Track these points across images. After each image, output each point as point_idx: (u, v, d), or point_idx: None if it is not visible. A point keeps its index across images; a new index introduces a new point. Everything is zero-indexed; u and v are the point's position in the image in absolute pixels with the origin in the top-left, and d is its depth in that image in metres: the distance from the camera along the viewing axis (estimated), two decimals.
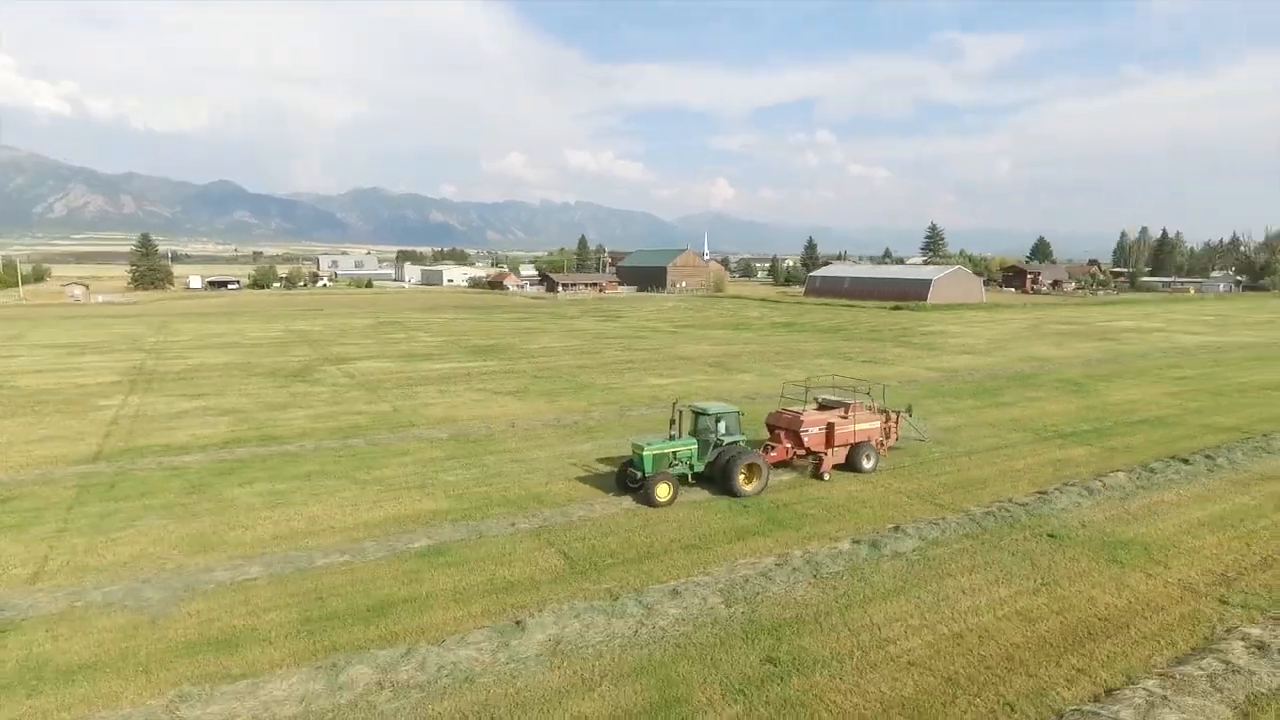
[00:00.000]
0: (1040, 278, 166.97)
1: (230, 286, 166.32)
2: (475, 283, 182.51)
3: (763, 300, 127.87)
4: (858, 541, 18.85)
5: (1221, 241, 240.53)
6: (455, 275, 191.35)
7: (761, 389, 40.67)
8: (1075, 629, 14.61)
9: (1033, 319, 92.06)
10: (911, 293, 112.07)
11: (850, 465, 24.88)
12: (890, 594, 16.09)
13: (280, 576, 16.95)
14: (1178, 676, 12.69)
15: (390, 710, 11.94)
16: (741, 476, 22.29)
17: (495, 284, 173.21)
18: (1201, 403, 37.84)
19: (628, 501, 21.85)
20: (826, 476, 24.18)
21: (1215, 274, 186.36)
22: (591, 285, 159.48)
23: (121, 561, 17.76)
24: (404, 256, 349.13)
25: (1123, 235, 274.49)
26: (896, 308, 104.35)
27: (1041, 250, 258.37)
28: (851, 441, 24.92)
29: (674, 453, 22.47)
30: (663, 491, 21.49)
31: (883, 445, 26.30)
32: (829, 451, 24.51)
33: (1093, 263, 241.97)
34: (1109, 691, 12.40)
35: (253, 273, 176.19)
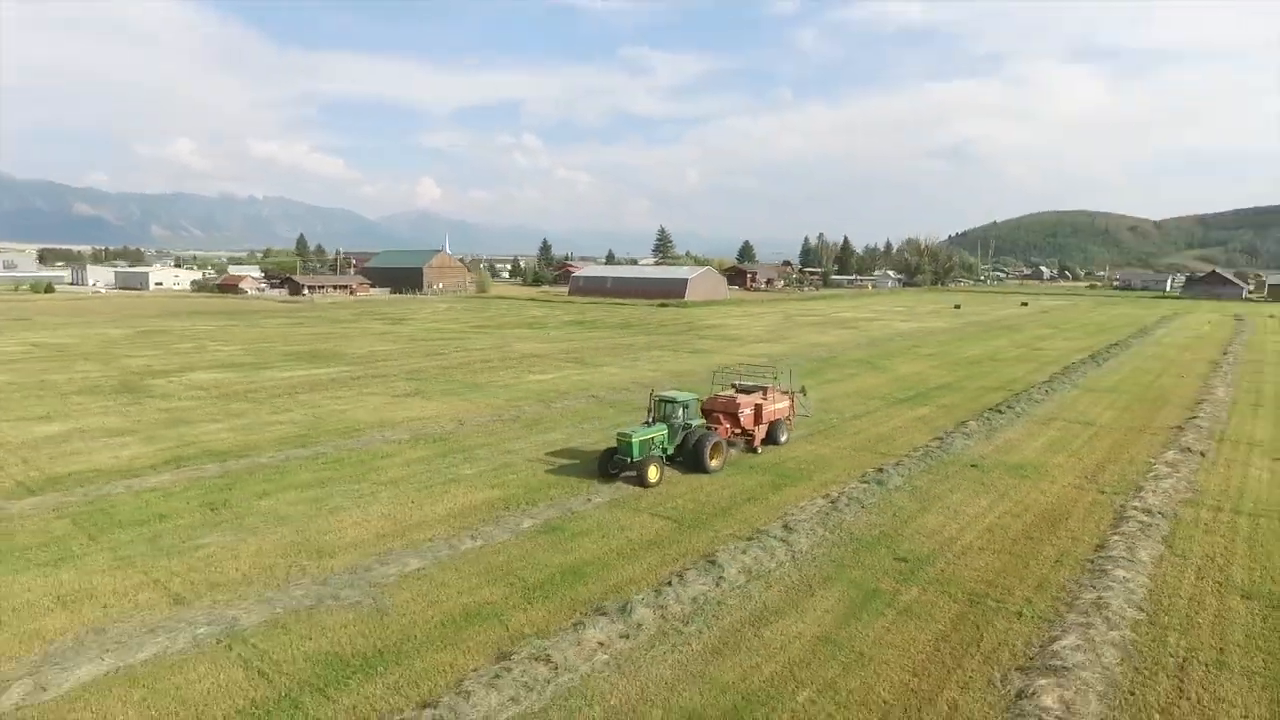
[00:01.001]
0: (758, 276, 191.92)
1: None
2: (202, 286, 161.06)
3: (534, 300, 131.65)
4: (865, 481, 24.44)
5: (878, 246, 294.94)
6: (165, 278, 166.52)
7: (635, 379, 45.19)
8: (1044, 517, 21.48)
9: (780, 312, 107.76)
10: (671, 291, 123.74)
11: (769, 439, 29.20)
12: (923, 511, 21.83)
13: (447, 562, 17.93)
14: (1127, 531, 19.98)
15: (693, 630, 14.72)
16: (710, 455, 25.27)
17: (229, 287, 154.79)
18: (960, 372, 50.13)
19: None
20: (760, 450, 28.35)
21: (878, 272, 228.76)
22: (341, 288, 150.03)
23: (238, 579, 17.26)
24: (53, 256, 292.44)
25: (805, 240, 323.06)
26: (662, 305, 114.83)
27: (746, 253, 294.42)
28: (772, 419, 29.33)
29: (653, 438, 24.69)
30: (653, 473, 23.61)
31: (790, 420, 32.11)
32: (757, 428, 28.60)
33: (786, 264, 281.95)
34: (1097, 547, 19.18)
35: None
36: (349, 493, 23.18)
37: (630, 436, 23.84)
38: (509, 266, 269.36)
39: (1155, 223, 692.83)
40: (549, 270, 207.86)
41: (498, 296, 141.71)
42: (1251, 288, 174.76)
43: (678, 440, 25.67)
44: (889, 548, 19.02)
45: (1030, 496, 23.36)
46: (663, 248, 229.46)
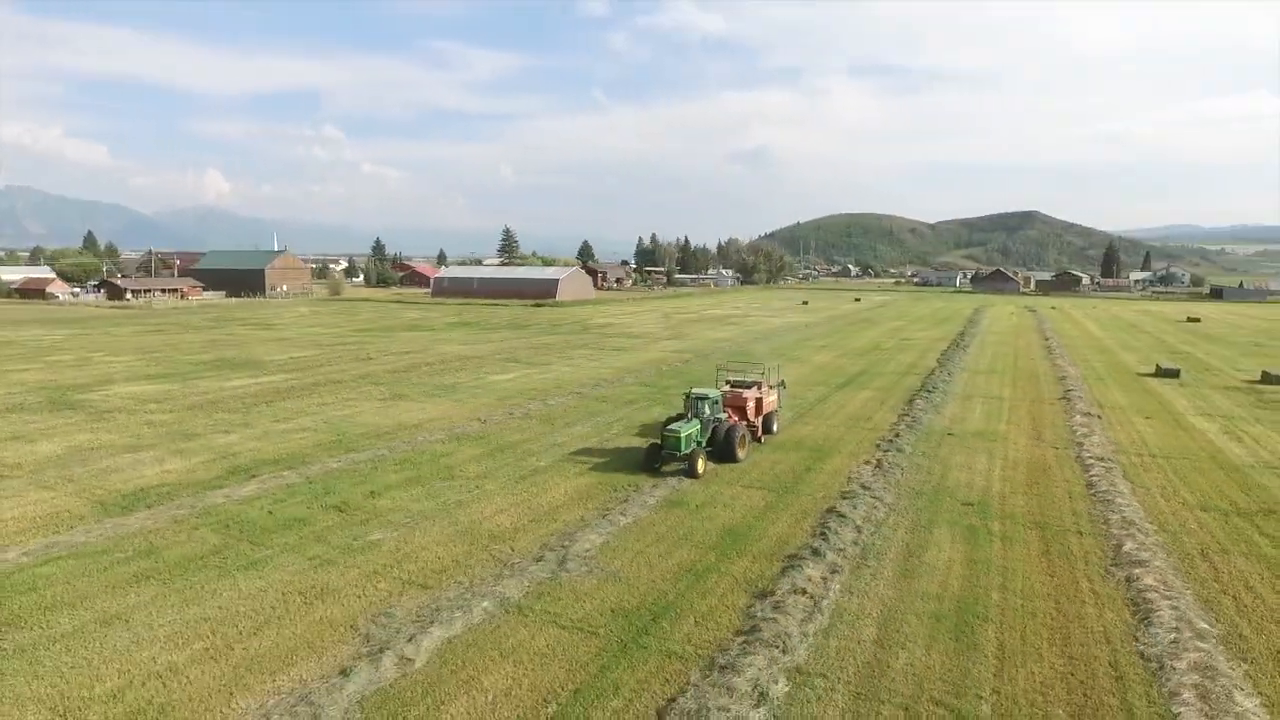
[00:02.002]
0: (608, 276, 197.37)
1: None
2: None
3: (398, 302, 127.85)
4: (884, 450, 29.39)
5: (706, 245, 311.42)
6: None
7: (592, 377, 47.99)
8: (1034, 468, 27.34)
9: (654, 310, 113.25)
10: (544, 291, 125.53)
11: (765, 429, 31.99)
12: (946, 469, 27.01)
13: (622, 533, 20.41)
14: (1097, 473, 26.32)
15: (875, 563, 18.58)
16: (739, 445, 27.60)
17: (33, 292, 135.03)
18: (865, 360, 57.53)
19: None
20: (763, 439, 31.39)
21: (713, 271, 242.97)
22: (170, 291, 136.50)
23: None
24: None
25: (640, 240, 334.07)
26: (537, 305, 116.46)
27: (586, 252, 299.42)
28: (768, 411, 32.47)
29: (694, 432, 26.44)
30: (701, 464, 25.53)
31: (778, 412, 36.10)
32: (758, 420, 30.63)
33: (624, 263, 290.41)
34: (1088, 485, 25.25)
35: None
36: (455, 488, 24.52)
37: (679, 432, 25.58)
38: (339, 267, 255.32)
39: (930, 225, 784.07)
40: (392, 271, 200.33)
41: (355, 299, 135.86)
42: (1022, 284, 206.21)
43: (708, 433, 27.56)
44: (949, 496, 23.93)
45: (1010, 454, 29.43)
46: (508, 248, 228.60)
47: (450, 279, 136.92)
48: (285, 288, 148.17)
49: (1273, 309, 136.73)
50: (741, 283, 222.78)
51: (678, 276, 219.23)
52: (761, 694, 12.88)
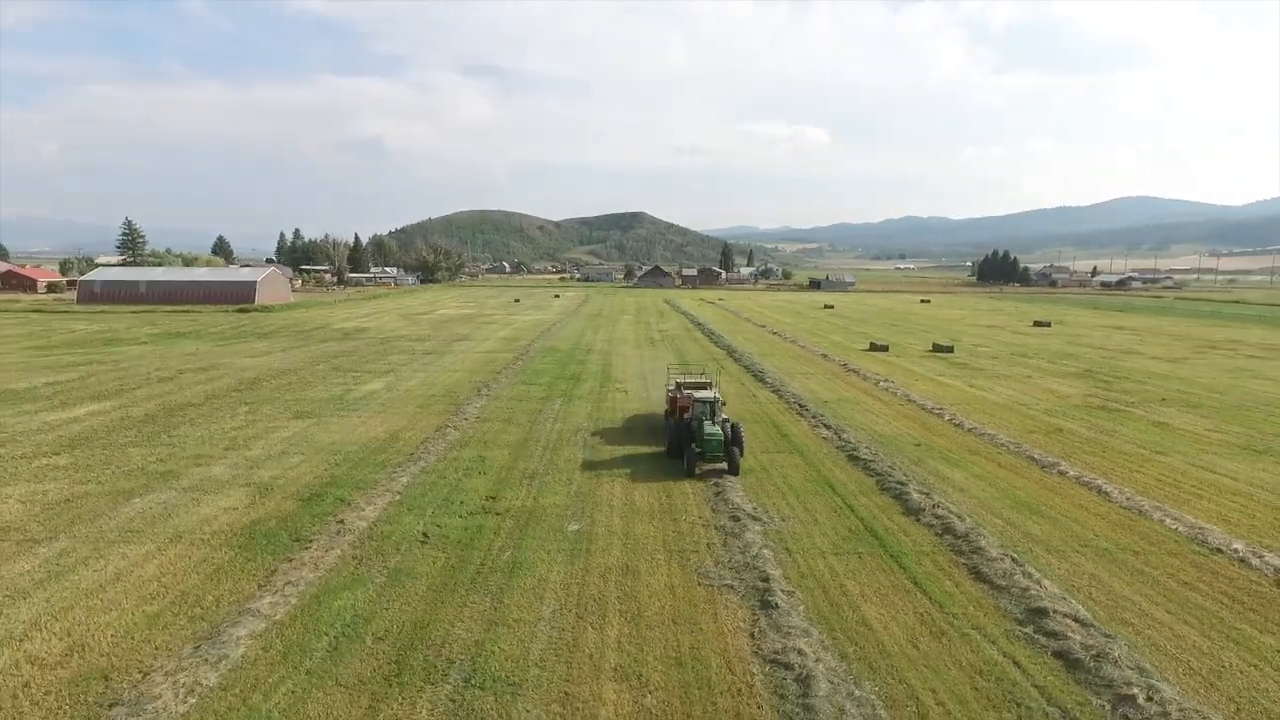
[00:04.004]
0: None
1: None
2: None
3: (39, 311, 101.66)
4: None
5: (345, 239, 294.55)
6: None
7: (450, 383, 48.30)
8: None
9: (382, 310, 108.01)
10: (239, 295, 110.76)
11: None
12: (850, 411, 35.54)
13: None
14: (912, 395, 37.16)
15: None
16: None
17: None
18: (661, 349, 65.38)
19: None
20: None
21: (388, 269, 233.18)
22: None
23: None
24: None
25: (281, 236, 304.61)
26: (243, 310, 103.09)
27: (223, 248, 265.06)
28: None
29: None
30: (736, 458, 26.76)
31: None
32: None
33: (270, 260, 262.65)
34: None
35: None
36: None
37: (717, 434, 26.92)
38: None
39: (556, 223, 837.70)
40: None
41: None
42: (680, 281, 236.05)
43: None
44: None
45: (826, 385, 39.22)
46: (132, 245, 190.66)
47: (105, 282, 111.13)
48: None
49: (866, 296, 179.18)
50: (422, 281, 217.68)
51: (351, 276, 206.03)
52: None
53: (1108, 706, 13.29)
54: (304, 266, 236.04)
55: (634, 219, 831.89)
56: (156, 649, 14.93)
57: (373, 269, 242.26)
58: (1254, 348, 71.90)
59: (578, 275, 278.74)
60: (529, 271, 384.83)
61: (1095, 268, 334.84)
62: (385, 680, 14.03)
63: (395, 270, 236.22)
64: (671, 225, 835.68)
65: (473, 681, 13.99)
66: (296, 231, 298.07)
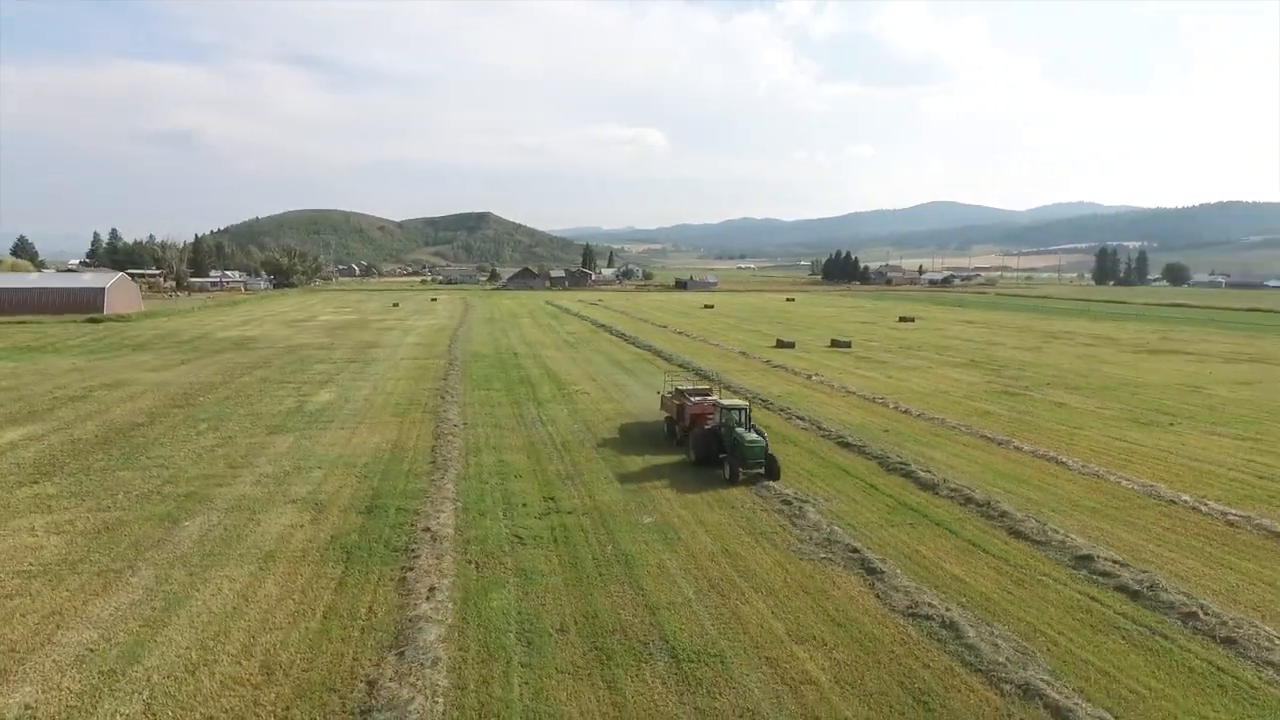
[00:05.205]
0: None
1: None
2: None
3: None
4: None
5: (154, 238, 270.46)
6: None
7: (403, 391, 47.78)
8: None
9: (252, 316, 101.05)
10: (85, 303, 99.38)
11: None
12: (811, 392, 39.32)
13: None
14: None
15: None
16: None
17: None
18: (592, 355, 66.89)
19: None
20: None
21: (236, 274, 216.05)
22: None
23: None
24: None
25: (97, 235, 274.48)
26: (94, 320, 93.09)
27: (26, 249, 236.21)
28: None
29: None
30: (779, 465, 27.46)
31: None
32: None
33: (85, 263, 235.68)
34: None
35: None
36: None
37: (759, 442, 27.29)
38: None
39: (398, 223, 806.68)
40: None
41: None
42: (549, 283, 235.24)
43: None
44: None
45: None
46: None
47: None
48: None
49: (735, 295, 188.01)
50: (276, 285, 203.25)
51: (192, 280, 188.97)
52: None
53: (1180, 623, 16.89)
54: (131, 271, 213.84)
55: (481, 219, 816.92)
56: (356, 659, 15.13)
57: (212, 273, 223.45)
58: (1086, 337, 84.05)
59: (439, 278, 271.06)
60: (380, 274, 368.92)
61: (921, 266, 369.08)
62: (601, 664, 15.16)
63: (238, 274, 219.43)
64: (520, 226, 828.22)
65: (680, 657, 15.42)
66: (114, 231, 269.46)
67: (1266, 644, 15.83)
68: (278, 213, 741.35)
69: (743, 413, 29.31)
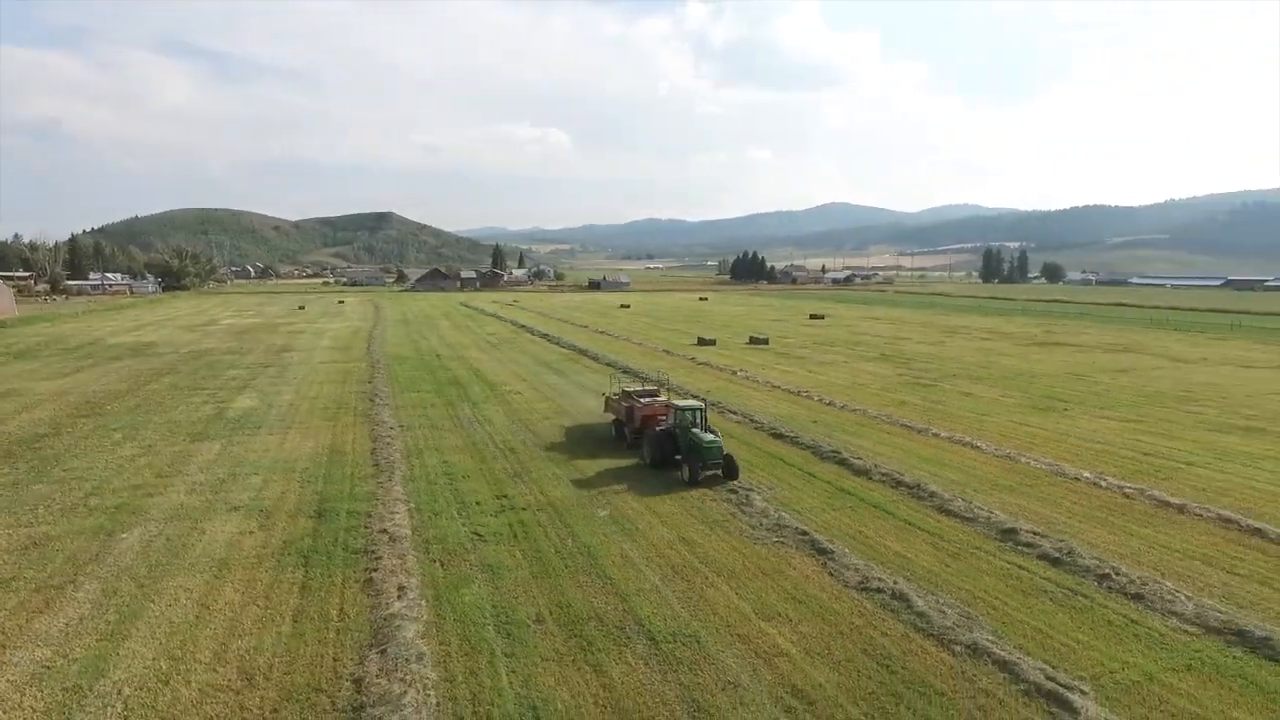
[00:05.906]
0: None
1: None
2: None
3: None
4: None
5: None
6: None
7: (334, 394, 46.69)
8: (833, 387, 43.50)
9: (143, 322, 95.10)
10: None
11: None
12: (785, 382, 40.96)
13: None
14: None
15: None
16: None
17: None
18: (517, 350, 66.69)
19: None
20: None
21: (120, 276, 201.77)
22: None
23: None
24: None
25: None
26: None
27: None
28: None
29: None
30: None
31: None
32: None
33: None
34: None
35: None
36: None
37: (717, 443, 27.46)
38: None
39: (294, 223, 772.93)
40: None
41: None
42: (460, 284, 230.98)
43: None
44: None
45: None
46: None
47: None
48: None
49: (649, 295, 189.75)
50: (165, 288, 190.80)
51: (69, 283, 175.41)
52: None
53: (1096, 584, 18.85)
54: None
55: (382, 219, 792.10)
56: (337, 659, 15.09)
57: (92, 275, 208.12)
58: (981, 331, 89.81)
59: (343, 280, 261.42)
60: (278, 276, 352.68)
61: (824, 266, 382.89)
62: (583, 650, 15.67)
63: (120, 276, 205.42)
64: (424, 226, 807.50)
65: (658, 639, 16.12)
66: None
67: (1169, 597, 17.92)
68: (160, 211, 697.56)
69: (697, 413, 29.28)
